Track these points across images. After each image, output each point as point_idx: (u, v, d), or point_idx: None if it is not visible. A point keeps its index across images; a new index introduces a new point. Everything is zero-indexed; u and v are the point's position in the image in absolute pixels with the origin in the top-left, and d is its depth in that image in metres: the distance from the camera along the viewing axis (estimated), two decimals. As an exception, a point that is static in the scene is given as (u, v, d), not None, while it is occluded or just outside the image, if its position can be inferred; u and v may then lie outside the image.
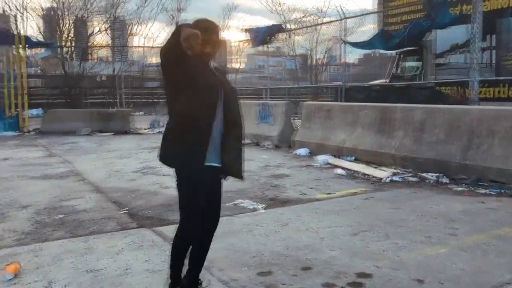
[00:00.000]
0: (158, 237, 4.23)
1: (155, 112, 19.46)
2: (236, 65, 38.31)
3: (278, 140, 10.46)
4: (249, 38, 19.03)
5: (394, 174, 6.88)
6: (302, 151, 9.29)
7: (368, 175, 7.07)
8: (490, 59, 12.35)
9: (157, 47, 28.18)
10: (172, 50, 2.27)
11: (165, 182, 6.47)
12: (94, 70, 26.13)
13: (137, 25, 30.11)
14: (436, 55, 13.29)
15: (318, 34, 27.30)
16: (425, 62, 13.73)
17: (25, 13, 25.82)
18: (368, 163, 7.80)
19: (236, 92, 2.76)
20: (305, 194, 5.94)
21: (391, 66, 15.48)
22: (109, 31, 29.17)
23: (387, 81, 14.99)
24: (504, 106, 7.75)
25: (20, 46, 16.43)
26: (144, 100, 26.04)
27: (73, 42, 26.95)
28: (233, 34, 58.17)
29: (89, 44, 27.72)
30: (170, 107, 2.58)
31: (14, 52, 16.67)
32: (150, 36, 39.05)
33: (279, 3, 32.20)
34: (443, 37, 12.49)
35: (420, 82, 12.95)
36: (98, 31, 28.24)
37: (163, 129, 2.78)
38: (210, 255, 3.63)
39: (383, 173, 7.01)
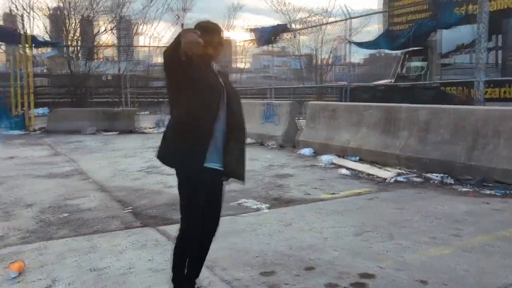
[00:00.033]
0: (161, 236, 4.25)
1: (160, 112, 19.51)
2: (241, 65, 38.37)
3: (283, 140, 10.46)
4: (254, 38, 19.03)
5: (399, 174, 6.86)
6: (307, 151, 9.28)
7: (372, 175, 7.05)
8: (496, 59, 12.28)
9: (163, 46, 28.29)
10: (175, 52, 2.29)
11: (169, 182, 6.49)
12: (99, 69, 26.23)
13: (143, 25, 30.22)
14: (441, 55, 13.23)
15: (323, 34, 27.27)
16: (430, 62, 13.67)
17: (31, 12, 26.00)
18: (372, 163, 7.78)
19: (238, 94, 2.76)
20: (309, 194, 5.93)
21: (396, 66, 15.43)
22: (114, 31, 29.27)
23: (392, 81, 14.94)
24: (510, 107, 7.70)
25: (27, 45, 16.52)
26: (149, 99, 26.10)
27: (79, 41, 27.05)
28: (238, 34, 58.14)
29: (95, 43, 27.82)
30: (171, 106, 2.59)
31: (21, 52, 16.77)
32: (156, 36, 39.10)
33: (284, 3, 32.29)
34: (449, 37, 12.42)
35: (425, 82, 12.90)
36: (104, 30, 28.36)
37: (167, 129, 2.78)
38: (213, 254, 3.64)
39: (387, 173, 6.99)
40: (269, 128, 11.01)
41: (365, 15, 16.03)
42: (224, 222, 4.51)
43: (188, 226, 2.61)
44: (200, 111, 2.47)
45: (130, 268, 3.49)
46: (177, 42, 2.28)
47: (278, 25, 18.44)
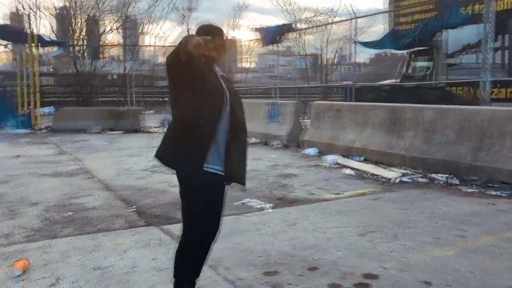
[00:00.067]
0: (165, 235, 4.25)
1: (165, 111, 19.51)
2: (246, 65, 38.39)
3: (287, 140, 10.45)
4: (259, 38, 19.04)
5: (404, 174, 6.83)
6: (311, 151, 9.27)
7: (377, 175, 7.03)
8: (502, 59, 12.22)
9: (168, 46, 28.36)
10: (176, 54, 2.30)
11: (173, 181, 6.45)
12: (105, 68, 26.34)
13: (148, 24, 30.26)
14: (447, 55, 13.17)
15: (329, 34, 27.22)
16: (436, 62, 13.62)
17: (38, 12, 26.13)
18: (377, 163, 7.76)
19: (241, 100, 2.74)
20: (313, 194, 5.92)
21: (402, 66, 15.38)
22: (120, 30, 29.39)
23: (398, 81, 14.90)
24: (517, 107, 7.65)
25: (33, 44, 16.60)
26: (154, 98, 26.15)
27: (85, 41, 27.16)
28: (244, 34, 58.15)
29: (101, 43, 27.92)
30: (172, 107, 2.59)
31: (27, 51, 16.86)
32: (161, 35, 39.20)
33: (290, 3, 32.19)
34: (455, 37, 12.37)
35: (431, 82, 12.84)
36: (110, 30, 28.46)
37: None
38: (216, 254, 3.65)
39: (392, 173, 6.97)
40: (274, 127, 11.01)
41: (370, 15, 16.01)
42: (228, 222, 4.53)
43: (188, 226, 2.60)
44: (200, 110, 2.47)
45: (133, 267, 3.50)
46: (181, 46, 2.31)
47: (283, 24, 18.45)
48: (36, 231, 4.45)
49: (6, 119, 16.09)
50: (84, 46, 26.74)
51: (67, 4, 26.85)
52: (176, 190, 2.75)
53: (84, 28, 27.06)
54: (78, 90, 24.00)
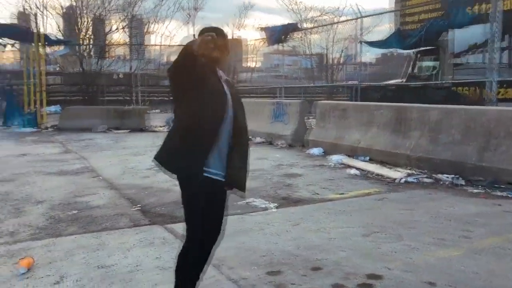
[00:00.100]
0: (169, 234, 4.26)
1: (171, 110, 19.53)
2: (252, 64, 38.37)
3: (292, 139, 10.43)
4: (265, 37, 19.03)
5: (409, 175, 6.80)
6: (316, 151, 9.25)
7: (382, 175, 7.00)
8: (509, 59, 12.13)
9: (174, 45, 28.42)
10: (185, 56, 2.29)
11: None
12: (111, 68, 26.42)
13: (154, 24, 30.31)
14: (453, 55, 13.10)
15: (335, 33, 27.16)
16: (442, 62, 13.55)
17: (45, 11, 26.24)
18: (382, 163, 7.72)
19: (242, 104, 2.70)
20: (317, 194, 5.91)
21: (407, 66, 15.32)
22: (126, 29, 29.45)
23: (403, 80, 14.84)
24: (523, 107, 7.59)
25: (40, 44, 16.69)
26: (160, 98, 26.18)
27: (91, 40, 27.26)
28: (249, 33, 58.10)
29: (107, 42, 28.01)
30: (175, 110, 2.57)
31: (34, 50, 16.95)
32: (167, 35, 39.34)
33: (296, 2, 32.12)
34: (461, 37, 12.29)
35: (437, 82, 12.78)
36: (116, 29, 28.53)
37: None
38: (220, 253, 3.64)
39: (397, 173, 6.94)
40: (279, 127, 11.00)
41: (376, 14, 15.97)
42: (232, 221, 4.53)
43: (189, 226, 2.60)
44: (200, 111, 2.44)
45: (137, 265, 3.51)
46: (185, 51, 2.29)
47: (288, 24, 18.44)
48: (41, 229, 4.47)
49: (13, 118, 16.21)
50: (90, 45, 26.84)
51: (74, 3, 26.98)
52: (180, 189, 2.73)
53: (90, 27, 27.17)
54: (84, 89, 24.09)
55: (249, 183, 5.47)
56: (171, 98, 2.64)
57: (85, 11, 26.66)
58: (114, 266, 3.50)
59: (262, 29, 19.70)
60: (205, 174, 2.50)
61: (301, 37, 24.57)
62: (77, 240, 4.12)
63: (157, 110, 22.76)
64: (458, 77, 12.59)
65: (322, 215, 4.90)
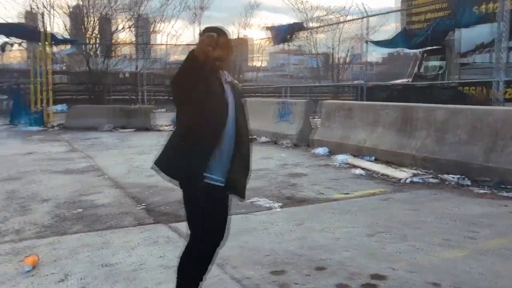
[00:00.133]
0: (173, 233, 4.27)
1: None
2: (257, 63, 38.37)
3: (297, 139, 10.41)
4: (271, 36, 19.01)
5: (414, 175, 6.77)
6: (321, 150, 9.23)
7: (387, 175, 6.97)
8: (516, 59, 12.02)
9: (180, 44, 28.48)
10: (192, 59, 2.27)
11: (183, 179, 6.51)
12: (117, 67, 26.51)
13: (160, 23, 30.41)
14: (460, 55, 13.02)
15: (341, 33, 27.10)
16: (448, 61, 13.48)
17: (52, 10, 26.38)
18: (388, 163, 7.69)
19: (244, 107, 2.66)
20: (322, 193, 5.89)
21: (414, 66, 15.25)
22: (132, 29, 29.55)
23: (410, 80, 14.78)
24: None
25: (46, 43, 16.77)
26: (165, 97, 26.24)
27: (97, 39, 27.37)
28: (255, 32, 58.11)
29: (113, 41, 28.12)
30: (177, 114, 2.55)
31: (40, 49, 17.05)
32: (173, 34, 39.42)
33: (302, 1, 32.05)
34: (468, 36, 12.22)
35: (443, 82, 12.71)
36: (122, 28, 28.66)
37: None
38: (224, 252, 3.64)
39: (403, 173, 6.91)
40: (284, 126, 10.98)
41: (382, 14, 15.91)
42: (236, 221, 4.52)
43: (190, 225, 2.61)
44: (201, 116, 2.39)
45: (141, 264, 3.52)
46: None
47: (294, 23, 18.41)
48: (46, 227, 4.49)
49: (20, 117, 16.32)
50: (97, 45, 26.96)
51: (80, 2, 27.13)
52: (185, 188, 2.72)
53: (97, 26, 27.30)
54: (90, 88, 24.21)
55: (253, 183, 5.48)
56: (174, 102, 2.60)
57: (91, 11, 26.81)
58: (118, 264, 3.52)
59: (267, 28, 19.70)
60: (206, 180, 2.46)
61: (307, 36, 24.53)
62: (82, 239, 4.14)
63: (162, 109, 22.79)
64: (464, 77, 12.51)
65: (327, 215, 4.89)
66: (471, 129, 6.72)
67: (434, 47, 13.21)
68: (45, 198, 5.64)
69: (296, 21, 21.24)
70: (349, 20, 18.46)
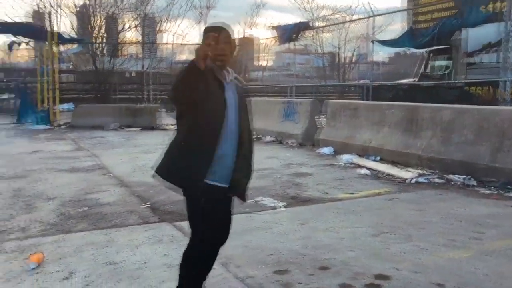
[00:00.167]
0: (178, 232, 4.27)
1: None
2: (263, 63, 38.34)
3: (302, 138, 10.40)
4: (276, 36, 19.00)
5: (420, 175, 6.74)
6: (326, 150, 9.21)
7: (393, 175, 6.94)
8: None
9: (186, 44, 28.52)
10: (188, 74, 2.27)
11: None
12: (123, 66, 26.58)
13: (166, 22, 30.42)
14: (467, 54, 12.94)
15: (347, 32, 27.02)
16: (455, 61, 13.40)
17: (58, 10, 26.50)
18: (393, 163, 7.66)
19: (247, 107, 2.62)
20: (327, 193, 5.88)
21: (420, 65, 15.18)
22: (139, 28, 29.60)
23: (416, 80, 14.71)
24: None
25: (53, 42, 16.86)
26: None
27: (104, 38, 27.46)
28: (261, 32, 58.10)
29: (119, 40, 28.21)
30: (176, 120, 2.56)
31: (47, 48, 17.14)
32: (180, 33, 39.41)
33: (308, 0, 31.93)
34: (475, 36, 12.13)
35: (449, 81, 12.64)
36: (128, 27, 28.71)
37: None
38: (227, 251, 3.65)
39: (408, 174, 6.88)
40: (289, 126, 10.97)
41: (388, 13, 15.83)
42: (240, 220, 4.53)
43: (190, 225, 2.61)
44: (199, 121, 2.39)
45: (145, 262, 3.53)
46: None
47: (300, 22, 18.37)
48: (52, 225, 4.52)
49: (26, 115, 16.43)
50: (103, 44, 27.06)
51: (87, 2, 27.21)
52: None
53: (103, 25, 27.37)
54: (96, 87, 24.29)
55: (258, 182, 5.49)
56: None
57: (98, 10, 26.88)
58: (122, 262, 3.53)
59: (273, 27, 19.67)
60: (206, 180, 2.44)
61: (312, 35, 24.47)
62: (87, 237, 4.16)
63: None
64: (471, 77, 12.42)
65: (331, 214, 4.88)
66: (477, 129, 6.68)
67: (441, 46, 13.14)
68: (51, 196, 5.67)
69: (302, 20, 21.21)
70: (355, 20, 18.40)
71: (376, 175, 7.07)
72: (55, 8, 25.75)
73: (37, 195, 5.75)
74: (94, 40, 26.01)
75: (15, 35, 18.82)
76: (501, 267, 3.42)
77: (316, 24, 23.49)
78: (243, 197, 2.66)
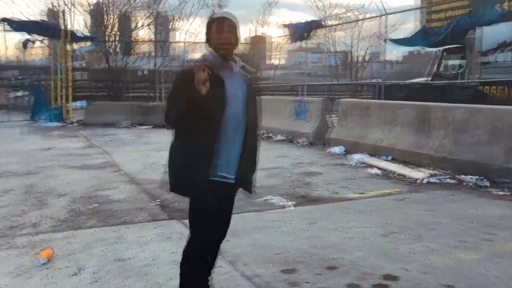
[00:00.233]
0: (187, 229, 4.21)
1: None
2: (275, 61, 38.28)
3: (313, 137, 10.35)
4: (288, 34, 18.95)
5: (431, 175, 6.66)
6: (337, 149, 9.15)
7: (404, 175, 6.88)
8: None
9: (198, 42, 28.58)
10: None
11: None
12: (136, 64, 26.79)
13: (179, 20, 30.53)
14: (481, 53, 12.76)
15: (360, 31, 26.86)
16: (468, 60, 13.23)
17: (72, 8, 26.76)
18: (405, 163, 7.59)
19: (255, 99, 2.57)
20: (337, 193, 5.85)
21: (433, 64, 15.01)
22: (151, 26, 29.77)
23: (429, 79, 14.56)
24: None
25: (67, 40, 17.02)
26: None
27: (117, 36, 27.68)
28: (273, 30, 58.03)
29: (132, 38, 28.41)
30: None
31: (61, 46, 17.31)
32: (192, 32, 39.57)
33: (320, -1, 31.77)
34: (489, 34, 11.96)
35: (463, 81, 12.48)
36: (141, 26, 28.89)
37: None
38: (235, 249, 3.66)
39: (420, 174, 6.81)
40: (300, 125, 10.93)
41: (401, 11, 15.70)
42: (249, 218, 4.53)
43: (190, 223, 2.61)
44: (205, 110, 2.33)
45: (154, 259, 3.55)
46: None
47: (312, 21, 18.29)
48: (62, 221, 4.56)
49: (40, 113, 16.63)
50: (116, 42, 27.27)
51: (101, 0, 27.44)
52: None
53: (116, 24, 27.59)
54: (109, 85, 24.50)
55: (267, 181, 5.48)
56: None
57: (111, 8, 27.12)
58: (131, 259, 3.55)
59: (285, 26, 19.63)
60: (212, 178, 2.41)
61: (325, 34, 24.37)
62: (96, 233, 4.19)
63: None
64: (485, 76, 12.25)
65: (341, 214, 4.85)
66: (491, 129, 6.58)
67: (454, 45, 12.97)
68: (62, 193, 5.73)
69: (314, 18, 21.11)
70: (367, 18, 18.26)
71: (387, 175, 7.01)
72: (69, 6, 26.02)
73: (49, 192, 5.81)
74: (107, 38, 26.24)
75: (29, 33, 19.03)
76: (512, 269, 3.37)
77: (329, 22, 23.36)
78: (249, 189, 2.62)
